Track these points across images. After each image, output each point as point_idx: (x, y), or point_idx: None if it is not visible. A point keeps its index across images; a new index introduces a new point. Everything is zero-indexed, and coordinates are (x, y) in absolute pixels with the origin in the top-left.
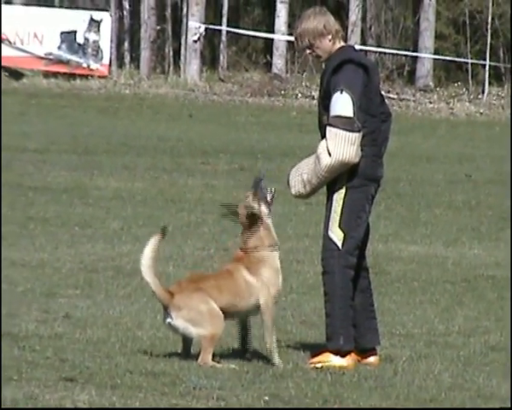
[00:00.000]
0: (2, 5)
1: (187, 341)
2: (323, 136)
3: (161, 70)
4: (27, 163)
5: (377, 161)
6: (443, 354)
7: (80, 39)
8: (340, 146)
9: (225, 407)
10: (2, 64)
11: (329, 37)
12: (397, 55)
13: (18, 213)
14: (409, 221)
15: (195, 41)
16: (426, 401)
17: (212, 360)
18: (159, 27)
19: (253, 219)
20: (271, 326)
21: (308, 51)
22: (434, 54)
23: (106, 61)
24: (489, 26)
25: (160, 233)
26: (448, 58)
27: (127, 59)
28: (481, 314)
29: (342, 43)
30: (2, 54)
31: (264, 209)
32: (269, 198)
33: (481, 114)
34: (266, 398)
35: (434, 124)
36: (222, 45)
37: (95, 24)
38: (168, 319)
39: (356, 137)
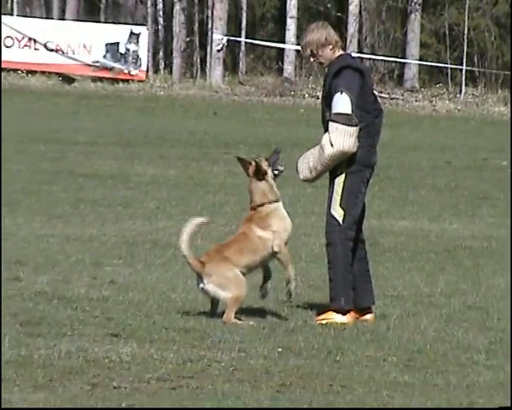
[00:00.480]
0: (57, 20)
1: (214, 302)
2: (326, 129)
3: (190, 75)
4: (79, 154)
5: (371, 151)
6: (428, 313)
7: (122, 49)
8: (341, 138)
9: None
10: (58, 71)
11: (330, 46)
12: (388, 61)
13: (71, 196)
14: (398, 201)
15: (219, 50)
16: (414, 351)
17: (235, 317)
18: (188, 39)
19: (259, 173)
20: (288, 261)
21: (312, 59)
22: (419, 60)
23: (144, 67)
24: (465, 37)
25: (203, 218)
26: (431, 63)
27: (162, 66)
28: (460, 279)
29: (341, 52)
30: (57, 62)
31: (269, 172)
32: (277, 171)
33: (459, 110)
34: (279, 349)
35: (419, 119)
36: (241, 54)
37: (134, 36)
38: (201, 284)
39: (354, 130)
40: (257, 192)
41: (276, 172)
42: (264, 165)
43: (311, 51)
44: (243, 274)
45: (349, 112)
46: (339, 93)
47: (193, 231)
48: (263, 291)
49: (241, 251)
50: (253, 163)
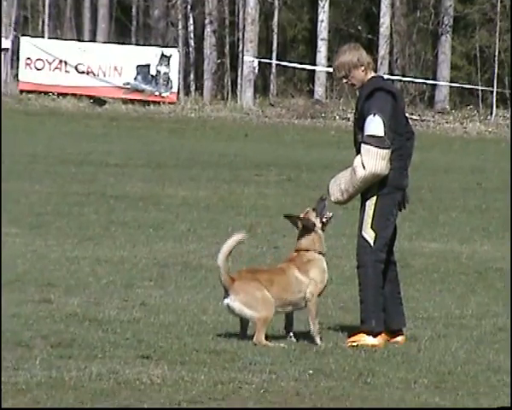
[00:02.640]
0: (88, 43)
1: (244, 323)
2: (358, 151)
3: (221, 97)
4: (109, 176)
5: (403, 173)
6: (459, 334)
7: (153, 71)
8: (373, 160)
9: None
10: (89, 93)
11: (362, 68)
12: (418, 83)
13: (102, 218)
14: (429, 222)
15: (250, 72)
16: (444, 373)
17: (265, 339)
18: (219, 61)
19: (309, 227)
20: (315, 314)
21: (344, 80)
22: (450, 82)
23: (175, 89)
24: (496, 59)
25: (243, 233)
26: (462, 85)
27: (192, 88)
28: (491, 300)
29: (373, 74)
30: (88, 84)
31: (318, 223)
32: (325, 218)
33: (490, 132)
34: (310, 371)
35: (450, 141)
36: (272, 76)
37: (165, 58)
38: (227, 300)
39: (386, 153)
40: (305, 239)
41: (324, 220)
42: (312, 216)
43: (344, 73)
44: None
45: (381, 134)
46: (371, 115)
47: (233, 246)
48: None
49: (272, 282)
50: (301, 219)
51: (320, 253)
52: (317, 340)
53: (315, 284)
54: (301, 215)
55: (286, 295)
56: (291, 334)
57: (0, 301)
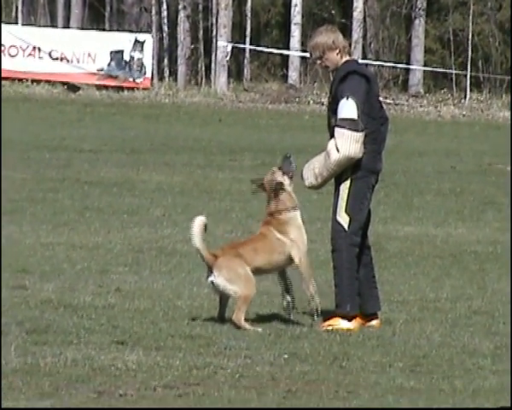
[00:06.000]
0: (61, 29)
1: (223, 301)
2: (332, 135)
3: (195, 82)
4: (84, 161)
5: (377, 157)
6: (433, 317)
7: (127, 57)
8: (347, 144)
9: None
10: (62, 80)
11: (337, 51)
12: (392, 67)
13: (76, 204)
14: (404, 206)
15: (223, 57)
16: (419, 356)
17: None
18: (193, 46)
19: (276, 189)
20: (309, 276)
21: (319, 62)
22: (424, 66)
23: (148, 75)
24: (470, 42)
25: (203, 217)
26: (435, 69)
27: (166, 73)
28: (465, 283)
29: (348, 57)
30: (62, 71)
31: (286, 180)
32: (291, 171)
33: (464, 115)
34: (285, 356)
35: (424, 124)
36: (246, 61)
37: (139, 44)
38: (210, 277)
39: (360, 136)
40: (276, 201)
41: (290, 174)
42: (279, 176)
43: (318, 53)
44: (254, 275)
45: (355, 117)
46: (345, 98)
47: (201, 226)
48: (286, 307)
49: (255, 250)
50: (269, 182)
51: (293, 208)
52: (316, 302)
53: (297, 247)
54: (268, 176)
55: (271, 258)
56: (289, 298)
57: None
